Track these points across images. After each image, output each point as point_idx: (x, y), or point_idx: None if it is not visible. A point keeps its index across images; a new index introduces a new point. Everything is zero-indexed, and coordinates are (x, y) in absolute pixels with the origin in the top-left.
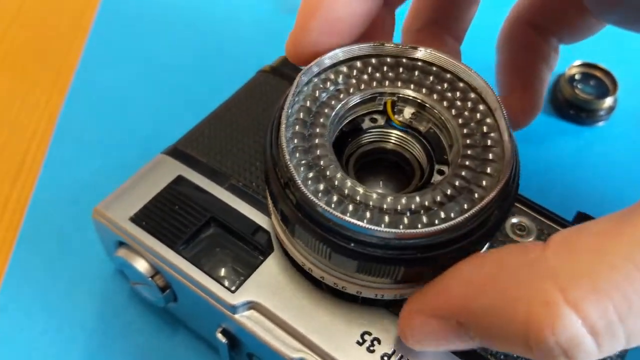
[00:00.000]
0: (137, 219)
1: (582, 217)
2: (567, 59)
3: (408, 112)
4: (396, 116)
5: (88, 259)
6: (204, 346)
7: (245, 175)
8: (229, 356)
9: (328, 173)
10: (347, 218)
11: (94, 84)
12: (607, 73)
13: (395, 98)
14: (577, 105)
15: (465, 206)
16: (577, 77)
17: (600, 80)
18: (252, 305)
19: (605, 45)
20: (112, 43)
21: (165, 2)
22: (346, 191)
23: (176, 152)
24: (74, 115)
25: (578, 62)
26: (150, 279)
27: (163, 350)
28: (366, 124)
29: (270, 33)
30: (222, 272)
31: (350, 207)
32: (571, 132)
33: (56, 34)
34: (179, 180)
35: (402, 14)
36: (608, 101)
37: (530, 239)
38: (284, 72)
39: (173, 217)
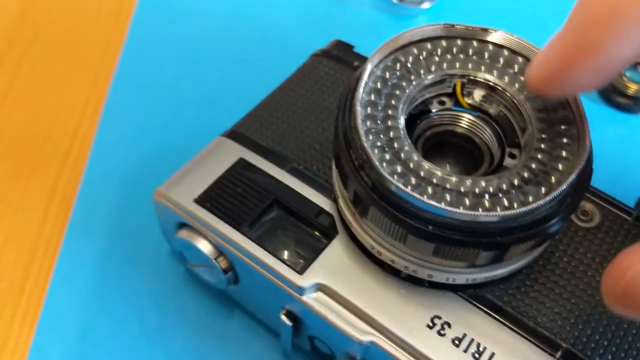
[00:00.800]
0: (201, 201)
1: None
2: None
3: (478, 94)
4: (465, 98)
5: (140, 241)
6: (261, 329)
7: (305, 159)
8: (291, 339)
9: (403, 155)
10: (427, 200)
11: (139, 68)
12: None
13: (465, 80)
14: (624, 92)
15: (543, 190)
16: None
17: None
18: (319, 287)
19: None
20: (155, 27)
21: None
22: (422, 173)
23: (236, 135)
24: (120, 99)
25: None
26: (213, 260)
27: (219, 332)
28: (434, 106)
29: (312, 20)
30: (286, 254)
31: (429, 190)
32: (618, 120)
33: (99, 13)
34: (241, 162)
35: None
36: None
37: (594, 224)
38: (338, 55)
39: (236, 199)
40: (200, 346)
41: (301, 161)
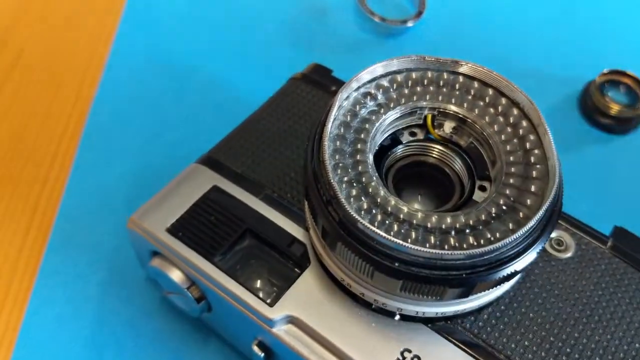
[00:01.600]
0: (173, 230)
1: (619, 232)
2: (597, 66)
3: (448, 126)
4: (436, 130)
5: (118, 264)
6: (236, 357)
7: (280, 186)
8: None
9: (370, 190)
10: (392, 238)
11: (119, 89)
12: (637, 81)
13: (435, 112)
14: (607, 113)
15: (511, 226)
16: (607, 84)
17: (630, 88)
18: (290, 319)
19: (635, 52)
20: (137, 48)
21: (190, 8)
22: (389, 209)
23: (210, 162)
24: (100, 121)
25: (607, 70)
26: (186, 289)
27: (195, 359)
28: (405, 137)
29: (295, 39)
30: (259, 284)
31: (395, 227)
32: (601, 141)
33: (82, 35)
34: (215, 190)
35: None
36: (639, 109)
37: (569, 254)
38: (315, 79)
39: (209, 228)
40: None
41: (275, 189)
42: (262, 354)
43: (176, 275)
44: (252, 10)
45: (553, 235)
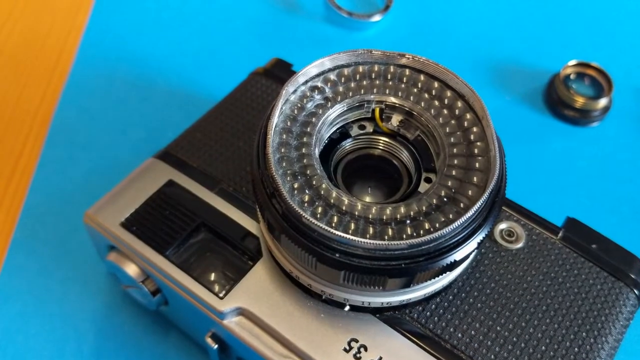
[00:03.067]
0: (127, 224)
1: (571, 223)
2: (563, 59)
3: (396, 119)
4: (384, 123)
5: (81, 260)
6: (195, 349)
7: (235, 180)
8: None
9: (314, 182)
10: (332, 230)
11: (87, 86)
12: (602, 72)
13: (383, 106)
14: (571, 105)
15: (451, 216)
16: (572, 76)
17: (595, 80)
18: (240, 312)
19: (601, 44)
20: (105, 45)
21: (158, 5)
22: (332, 201)
23: (167, 156)
24: (67, 117)
25: (573, 62)
26: (140, 283)
27: (155, 351)
28: (354, 130)
29: (263, 34)
30: (212, 277)
31: (335, 218)
32: (565, 133)
33: (49, 35)
34: (170, 184)
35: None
36: (603, 101)
37: (519, 245)
38: (276, 74)
39: (163, 222)
40: None
41: (231, 182)
42: (216, 346)
43: (131, 269)
44: (220, 5)
45: (504, 226)
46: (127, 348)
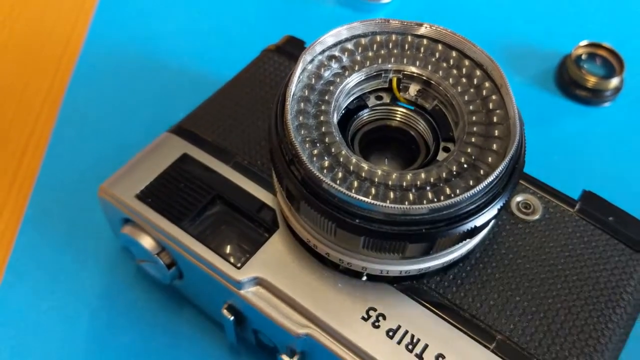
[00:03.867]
0: (143, 197)
1: (588, 196)
2: (574, 39)
3: (414, 89)
4: (402, 93)
5: (93, 237)
6: (209, 324)
7: (250, 154)
8: (235, 333)
9: (333, 150)
10: (352, 194)
11: (97, 65)
12: (613, 53)
13: (400, 75)
14: (583, 85)
15: (471, 182)
16: (583, 57)
17: (606, 60)
18: (257, 282)
19: (612, 24)
20: (115, 24)
21: None
22: (351, 167)
23: (181, 131)
24: (78, 97)
25: (584, 42)
26: (156, 255)
27: (168, 327)
28: (371, 101)
29: (273, 15)
30: (228, 249)
31: (356, 184)
32: (577, 113)
33: (60, 15)
34: (184, 158)
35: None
36: (614, 81)
37: (536, 217)
38: (289, 51)
39: (179, 194)
40: (151, 342)
41: (246, 156)
42: (232, 318)
43: (146, 242)
44: None
45: (520, 198)
46: (140, 324)
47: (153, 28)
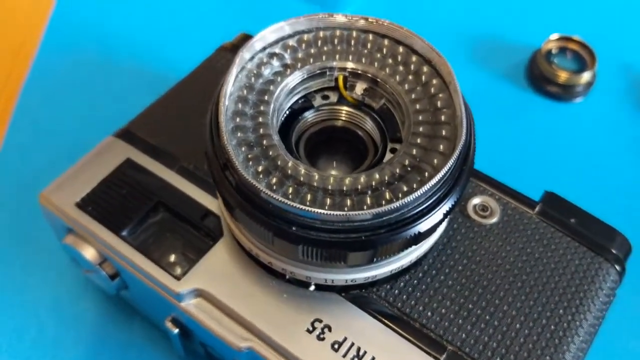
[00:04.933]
0: (83, 205)
1: (549, 197)
2: (544, 33)
3: (360, 87)
4: (348, 92)
5: (42, 247)
6: (160, 335)
7: (196, 158)
8: (182, 346)
9: (270, 153)
10: (287, 201)
11: (52, 68)
12: (584, 46)
13: (346, 73)
14: (553, 80)
15: (414, 185)
16: (553, 51)
17: (577, 54)
18: (199, 293)
19: (583, 17)
20: (71, 27)
21: None
22: (289, 171)
23: (126, 135)
24: (31, 101)
25: (555, 36)
26: (98, 266)
27: (119, 339)
28: (317, 101)
29: (233, 10)
30: (171, 258)
31: (292, 190)
32: (548, 109)
33: (15, 17)
34: (128, 163)
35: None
36: (586, 76)
37: (494, 220)
38: None
39: (120, 202)
40: (100, 355)
41: (192, 160)
42: (177, 331)
43: (88, 252)
44: None
45: (477, 200)
46: (90, 336)
47: (110, 27)
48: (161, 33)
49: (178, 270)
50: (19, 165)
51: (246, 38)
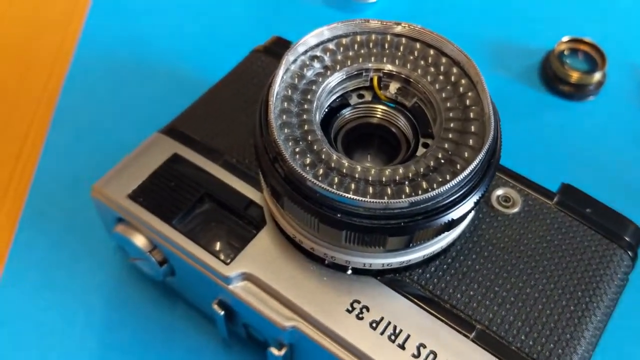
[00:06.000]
0: (134, 196)
1: (566, 188)
2: (556, 35)
3: (394, 87)
4: (382, 91)
5: (89, 236)
6: (202, 319)
7: (238, 152)
8: (226, 327)
9: (315, 147)
10: (333, 190)
11: (90, 67)
12: (595, 47)
13: (380, 74)
14: (566, 80)
15: (447, 177)
16: (566, 52)
17: (588, 55)
18: (245, 277)
19: (593, 19)
20: (107, 27)
21: None
22: (332, 164)
23: (172, 131)
24: (72, 99)
25: (567, 38)
26: (148, 253)
27: (163, 322)
28: (353, 99)
29: (262, 16)
30: (217, 245)
31: (336, 180)
32: (561, 107)
33: (52, 18)
34: (175, 158)
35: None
36: (597, 76)
37: (516, 210)
38: (276, 51)
39: (169, 193)
40: (146, 338)
41: (234, 155)
42: (222, 312)
43: (138, 240)
44: None
45: (500, 192)
46: (135, 319)
47: (144, 31)
48: (192, 37)
49: (225, 256)
50: (62, 161)
51: (278, 40)
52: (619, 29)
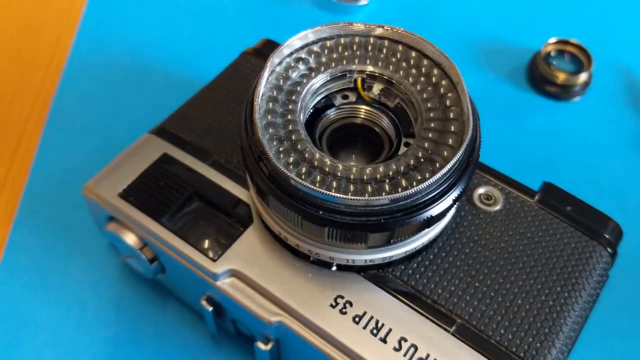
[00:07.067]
0: (125, 195)
1: (547, 186)
2: (543, 37)
3: (377, 88)
4: (366, 92)
5: (82, 235)
6: (191, 315)
7: (227, 152)
8: (215, 323)
9: (299, 146)
10: (316, 187)
11: (86, 68)
12: (581, 49)
13: (364, 75)
14: (552, 81)
15: (427, 175)
16: (552, 53)
17: (575, 56)
18: (232, 273)
19: (580, 21)
20: (102, 28)
21: None
22: (315, 163)
23: (162, 132)
24: (66, 100)
25: (553, 40)
26: (138, 251)
27: (154, 319)
28: (338, 100)
29: (254, 19)
30: (205, 243)
31: (319, 178)
32: (548, 108)
33: (48, 19)
34: (164, 158)
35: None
36: (583, 77)
37: (497, 208)
38: (266, 53)
39: (159, 192)
40: (137, 334)
41: (222, 155)
42: (211, 308)
43: (130, 238)
44: None
45: (482, 190)
46: (127, 316)
47: (139, 32)
48: (184, 39)
49: (213, 253)
50: (56, 161)
51: (268, 43)
52: (604, 30)
